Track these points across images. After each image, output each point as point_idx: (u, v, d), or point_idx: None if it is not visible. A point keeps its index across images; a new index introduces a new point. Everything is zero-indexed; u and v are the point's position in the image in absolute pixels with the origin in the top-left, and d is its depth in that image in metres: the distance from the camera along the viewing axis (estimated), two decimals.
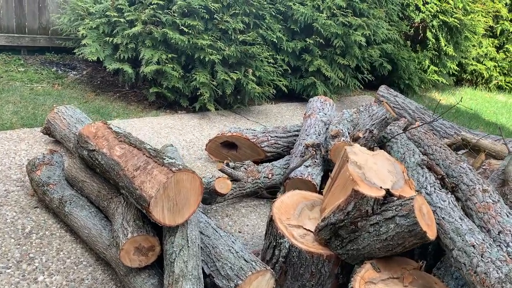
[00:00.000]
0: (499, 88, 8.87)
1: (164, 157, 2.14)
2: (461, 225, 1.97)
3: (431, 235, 1.94)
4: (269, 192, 3.16)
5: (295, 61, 4.97)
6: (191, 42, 3.91)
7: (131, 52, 4.12)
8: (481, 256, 1.71)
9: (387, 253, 2.08)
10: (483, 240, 1.83)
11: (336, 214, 2.14)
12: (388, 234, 1.99)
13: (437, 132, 4.63)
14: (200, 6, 3.94)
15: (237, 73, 4.15)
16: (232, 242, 2.25)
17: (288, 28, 4.91)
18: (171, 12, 3.97)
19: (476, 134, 4.46)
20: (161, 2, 3.98)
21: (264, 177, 3.08)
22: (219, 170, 2.73)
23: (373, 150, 3.28)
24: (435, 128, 4.65)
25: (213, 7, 3.98)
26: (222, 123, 4.25)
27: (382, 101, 3.25)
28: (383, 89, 5.12)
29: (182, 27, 3.94)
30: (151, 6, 4.00)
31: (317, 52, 4.89)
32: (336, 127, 3.11)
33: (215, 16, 4.09)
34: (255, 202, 3.13)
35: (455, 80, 8.32)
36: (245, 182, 2.92)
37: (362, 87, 6.48)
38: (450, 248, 1.91)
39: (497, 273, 1.57)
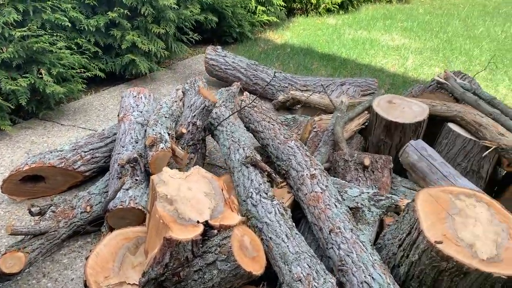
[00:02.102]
0: (328, 11, 9.12)
1: None
2: (288, 247, 1.77)
3: (258, 269, 1.71)
4: (95, 225, 2.67)
5: (104, 39, 4.26)
6: None
7: None
8: None
9: None
10: (310, 266, 1.65)
11: (155, 267, 1.79)
12: (213, 281, 1.71)
13: (272, 87, 4.48)
14: None
15: (27, 77, 3.37)
16: None
17: (85, 4, 4.12)
18: None
19: (308, 80, 4.41)
20: None
21: (82, 212, 2.57)
22: (10, 234, 2.15)
23: (199, 144, 2.96)
24: (270, 83, 4.49)
25: None
26: (28, 139, 3.49)
27: (199, 90, 2.87)
28: (210, 51, 4.75)
29: None
30: None
31: (127, 24, 4.24)
32: (153, 129, 2.67)
33: None
34: (80, 242, 2.63)
35: (286, 12, 8.27)
36: (55, 231, 2.39)
37: (193, 47, 6.03)
38: (280, 280, 1.71)
39: None
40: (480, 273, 1.59)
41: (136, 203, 2.43)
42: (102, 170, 3.06)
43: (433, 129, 2.99)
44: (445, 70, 3.22)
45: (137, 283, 1.94)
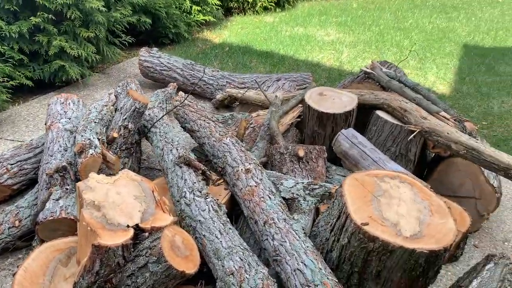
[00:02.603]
0: (265, 9, 9.21)
1: None
2: (221, 242, 1.77)
3: (192, 268, 1.70)
4: (26, 239, 2.54)
5: (29, 45, 4.05)
6: None
7: None
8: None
9: None
10: (242, 259, 1.65)
11: (85, 276, 1.73)
12: (147, 285, 1.68)
13: (210, 86, 4.47)
14: None
15: None
16: None
17: (6, 9, 3.90)
18: None
19: (245, 78, 4.43)
20: None
21: (10, 227, 2.44)
22: None
23: (133, 148, 2.89)
24: (208, 82, 4.47)
25: None
26: None
27: (128, 92, 2.81)
28: (143, 52, 4.65)
29: None
30: None
31: (53, 29, 4.06)
32: (82, 136, 2.58)
33: None
34: (10, 260, 2.49)
35: (223, 12, 8.27)
36: None
37: (128, 50, 5.88)
38: (215, 276, 1.71)
39: None
40: (404, 250, 1.67)
41: (67, 213, 2.33)
42: (32, 183, 2.91)
43: (363, 118, 3.10)
44: (372, 61, 3.34)
45: None
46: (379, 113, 2.94)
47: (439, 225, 1.80)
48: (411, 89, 3.01)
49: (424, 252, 1.67)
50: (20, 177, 2.86)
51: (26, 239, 2.53)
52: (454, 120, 2.79)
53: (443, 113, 2.80)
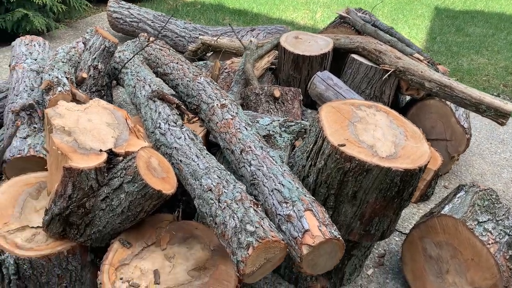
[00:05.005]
0: None
1: None
2: (198, 165, 1.74)
3: (169, 189, 1.67)
4: None
5: None
6: None
7: None
8: (218, 201, 1.51)
9: (132, 223, 1.76)
10: (220, 177, 1.64)
11: (58, 202, 1.68)
12: (122, 207, 1.65)
13: (182, 39, 4.35)
14: None
15: None
16: None
17: None
18: None
19: (218, 30, 4.34)
20: None
21: None
22: None
23: (104, 90, 2.80)
24: (180, 34, 4.36)
25: None
26: None
27: (96, 29, 2.69)
28: (112, 3, 4.47)
29: None
30: None
31: None
32: (50, 74, 2.46)
33: None
34: None
35: None
36: None
37: (96, 5, 5.64)
38: (192, 196, 1.69)
39: (233, 220, 1.40)
40: (381, 169, 1.68)
41: (36, 151, 2.25)
42: None
43: (339, 63, 3.09)
44: (347, 7, 3.32)
45: (41, 225, 1.82)
46: (355, 56, 2.93)
47: (414, 148, 1.83)
48: (386, 32, 3.01)
49: (400, 171, 1.69)
50: None
51: None
52: (428, 62, 2.82)
53: (417, 55, 2.82)
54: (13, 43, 2.94)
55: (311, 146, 1.87)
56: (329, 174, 1.78)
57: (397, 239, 2.56)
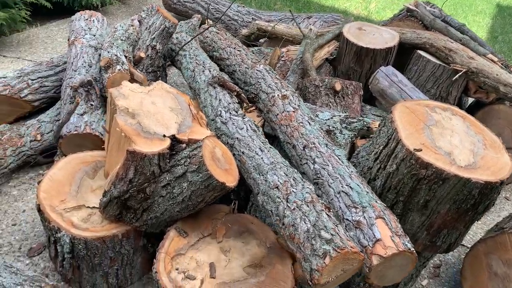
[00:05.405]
0: None
1: None
2: (262, 159, 1.66)
3: (232, 181, 1.60)
4: (47, 155, 2.45)
5: None
6: None
7: None
8: (287, 201, 1.43)
9: (190, 212, 1.71)
10: (287, 174, 1.55)
11: (118, 185, 1.64)
12: (183, 195, 1.59)
13: (235, 22, 4.26)
14: None
15: None
16: None
17: None
18: None
19: (272, 15, 4.23)
20: None
21: (32, 140, 2.35)
22: None
23: (159, 72, 2.76)
24: (232, 18, 4.26)
25: None
26: None
27: (157, 9, 2.63)
28: None
29: None
30: None
31: None
32: (109, 52, 2.43)
33: None
34: (31, 174, 2.42)
35: None
36: (1, 159, 2.16)
37: None
38: (255, 192, 1.61)
39: (305, 223, 1.31)
40: (459, 179, 1.56)
41: (92, 128, 2.23)
42: (52, 101, 2.80)
43: (402, 58, 2.93)
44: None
45: (97, 206, 1.80)
46: (421, 52, 2.77)
47: (494, 158, 1.69)
48: (457, 29, 2.82)
49: (480, 183, 1.56)
50: (40, 94, 2.73)
51: (47, 155, 2.45)
52: (501, 64, 2.62)
53: (490, 56, 2.63)
54: (72, 17, 2.92)
55: (381, 148, 1.76)
56: (400, 180, 1.66)
57: (454, 250, 2.41)
